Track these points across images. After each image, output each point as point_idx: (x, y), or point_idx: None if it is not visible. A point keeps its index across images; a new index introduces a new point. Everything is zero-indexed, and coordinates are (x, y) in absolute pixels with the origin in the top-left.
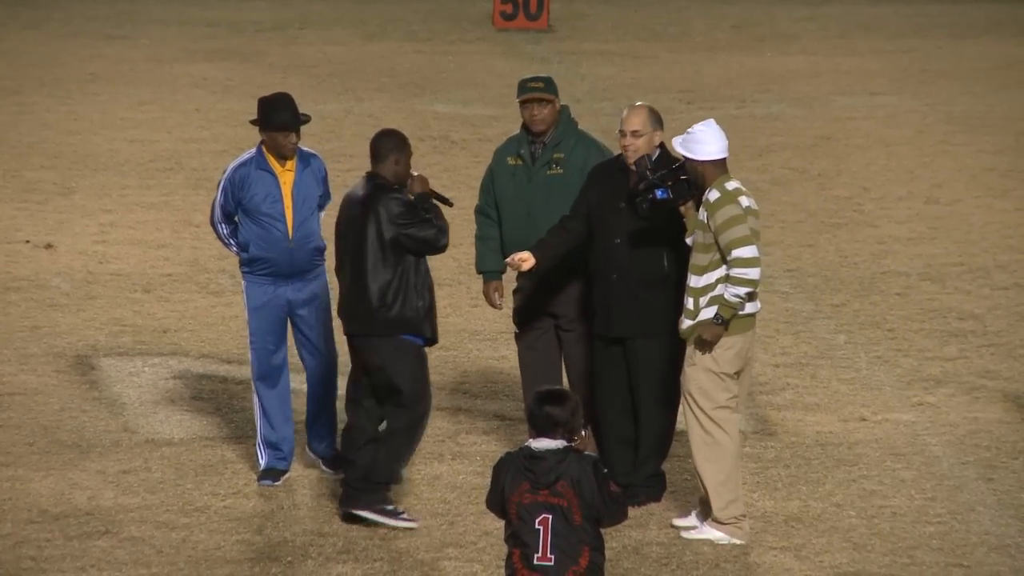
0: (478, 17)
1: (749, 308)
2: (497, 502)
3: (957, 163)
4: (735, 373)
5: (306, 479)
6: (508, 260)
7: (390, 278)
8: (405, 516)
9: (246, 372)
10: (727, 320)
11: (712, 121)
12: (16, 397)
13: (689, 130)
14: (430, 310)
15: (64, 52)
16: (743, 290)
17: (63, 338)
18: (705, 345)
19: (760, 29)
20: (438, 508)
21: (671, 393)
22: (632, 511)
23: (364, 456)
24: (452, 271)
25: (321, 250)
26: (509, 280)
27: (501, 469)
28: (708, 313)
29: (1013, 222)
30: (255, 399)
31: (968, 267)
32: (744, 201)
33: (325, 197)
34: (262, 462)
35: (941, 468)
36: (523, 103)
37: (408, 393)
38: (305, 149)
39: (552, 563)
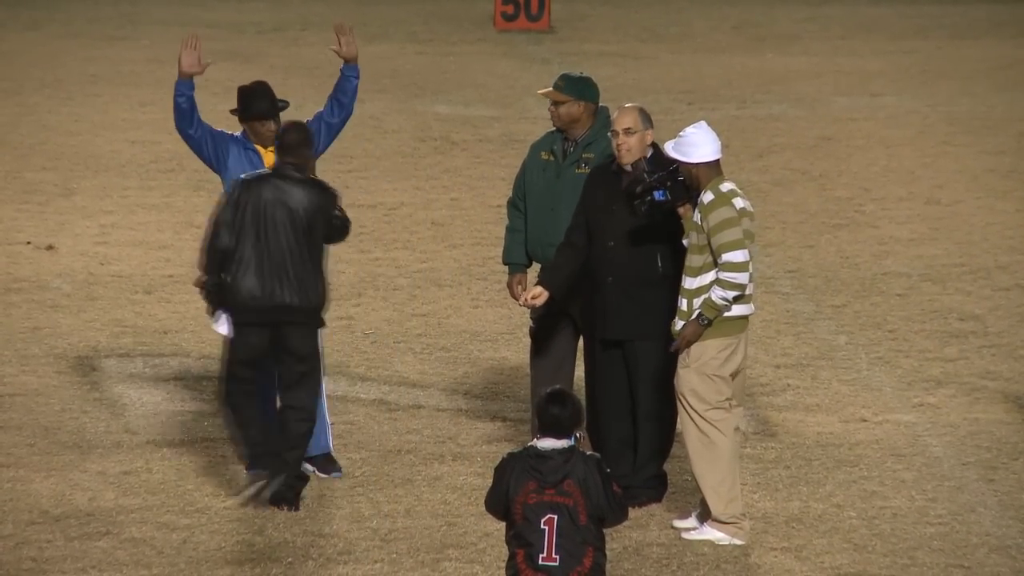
0: (479, 18)
1: (743, 310)
2: (499, 503)
3: (958, 164)
4: (729, 375)
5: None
6: (522, 303)
7: (322, 267)
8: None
9: None
10: (710, 320)
11: (704, 123)
12: (17, 398)
13: (681, 133)
14: None
15: (65, 53)
16: (731, 294)
17: (64, 339)
18: (685, 343)
19: (761, 30)
20: (439, 509)
21: (670, 395)
22: (633, 512)
23: (298, 441)
24: (453, 272)
25: None
26: (530, 275)
27: (504, 470)
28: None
29: (1014, 223)
30: None
31: (969, 268)
32: (739, 203)
33: (336, 117)
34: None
35: (942, 469)
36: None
37: (318, 383)
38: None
39: (557, 563)
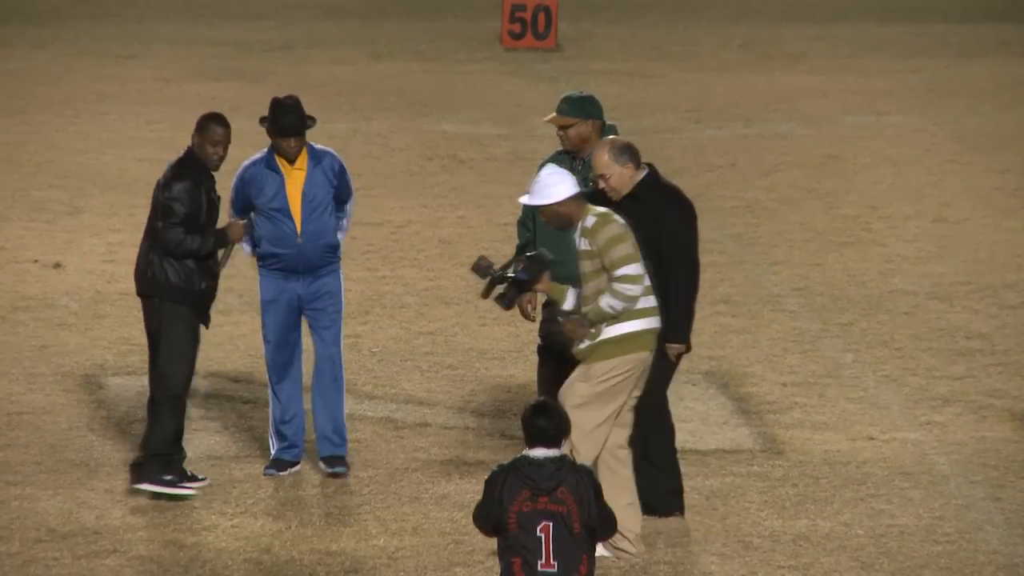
0: (486, 37)
1: (642, 325)
2: (490, 517)
3: (965, 182)
4: (621, 396)
5: (314, 497)
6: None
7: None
8: (184, 484)
9: (253, 391)
10: (592, 323)
11: (551, 164)
12: (24, 416)
13: (534, 182)
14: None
15: (72, 72)
16: (619, 304)
17: (71, 357)
18: (568, 335)
19: (768, 48)
20: (445, 527)
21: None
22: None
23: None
24: (460, 290)
25: (334, 247)
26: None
27: (495, 482)
28: (609, 333)
29: (1021, 241)
30: (269, 390)
31: (976, 286)
32: (622, 220)
33: (344, 192)
34: (272, 452)
35: (949, 487)
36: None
37: (166, 359)
38: (317, 147)
39: (556, 569)
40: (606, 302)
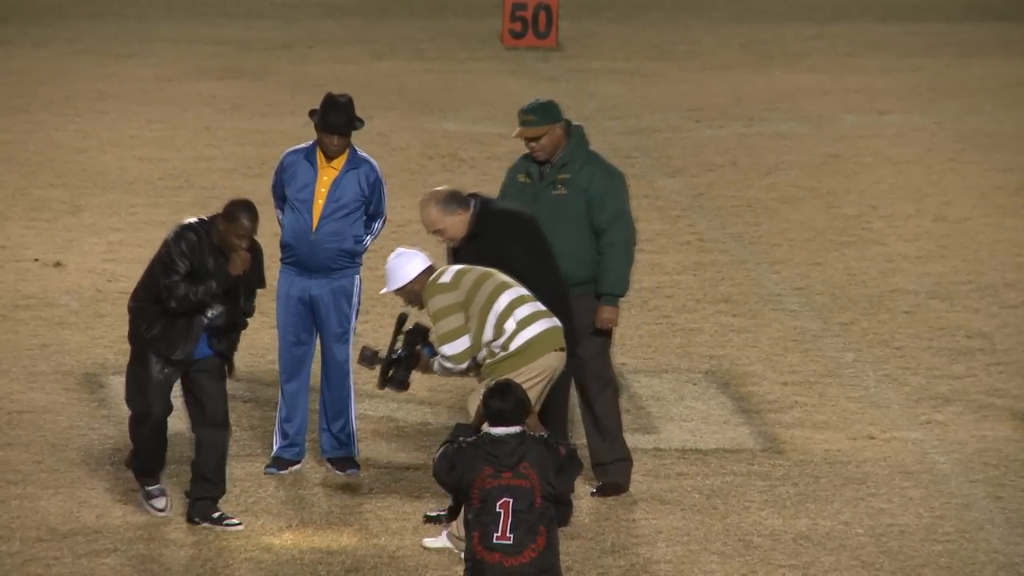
0: (487, 35)
1: (536, 329)
2: (449, 484)
3: (966, 181)
4: (538, 397)
5: (315, 496)
6: None
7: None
8: (152, 503)
9: (254, 390)
10: (433, 352)
11: (398, 249)
12: (25, 415)
13: (385, 270)
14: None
15: (73, 70)
16: (448, 368)
17: (72, 356)
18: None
19: (769, 47)
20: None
21: (558, 402)
22: (639, 530)
23: None
24: None
25: (351, 253)
26: None
27: (458, 456)
28: (509, 347)
29: (1022, 240)
30: (279, 387)
31: (977, 285)
32: (447, 276)
33: (374, 206)
34: (274, 449)
35: (949, 486)
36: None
37: (126, 386)
38: (361, 153)
39: (511, 542)
40: (436, 364)
